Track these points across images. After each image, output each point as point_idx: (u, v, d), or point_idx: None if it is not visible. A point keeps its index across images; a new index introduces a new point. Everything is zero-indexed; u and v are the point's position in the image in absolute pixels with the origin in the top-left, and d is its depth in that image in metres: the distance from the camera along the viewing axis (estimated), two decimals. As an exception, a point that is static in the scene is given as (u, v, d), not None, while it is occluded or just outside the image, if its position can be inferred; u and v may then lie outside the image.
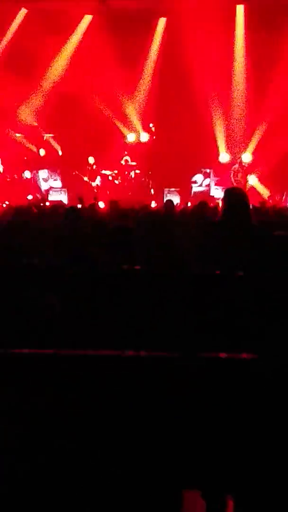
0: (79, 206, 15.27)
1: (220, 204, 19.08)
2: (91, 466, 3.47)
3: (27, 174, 25.86)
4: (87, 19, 25.35)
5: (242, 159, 24.39)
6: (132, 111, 25.84)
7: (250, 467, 3.49)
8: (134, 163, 25.39)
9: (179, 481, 3.76)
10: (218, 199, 22.98)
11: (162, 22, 25.10)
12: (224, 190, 7.06)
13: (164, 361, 3.40)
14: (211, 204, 16.83)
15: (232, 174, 24.09)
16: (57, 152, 26.72)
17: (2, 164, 25.54)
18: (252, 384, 3.33)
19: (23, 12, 25.05)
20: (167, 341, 4.52)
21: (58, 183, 25.75)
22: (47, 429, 3.45)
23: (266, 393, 3.36)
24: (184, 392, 3.33)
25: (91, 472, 3.48)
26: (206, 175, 24.86)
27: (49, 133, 26.58)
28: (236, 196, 6.76)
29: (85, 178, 25.13)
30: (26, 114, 25.94)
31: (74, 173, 25.31)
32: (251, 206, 8.36)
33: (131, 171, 25.33)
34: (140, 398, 3.35)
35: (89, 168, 25.40)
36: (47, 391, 3.39)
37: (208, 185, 24.71)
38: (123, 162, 25.45)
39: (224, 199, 6.79)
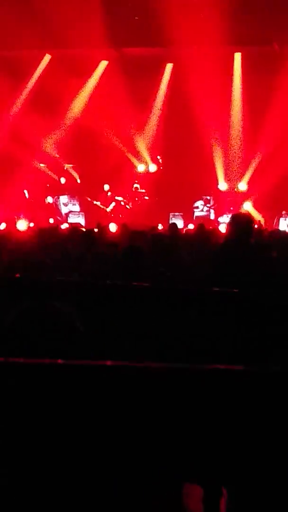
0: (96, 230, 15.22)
1: (223, 227, 19.15)
2: (95, 461, 3.40)
3: (49, 199, 25.89)
4: (103, 64, 25.39)
5: (238, 188, 24.39)
6: (142, 145, 25.88)
7: (246, 462, 3.44)
8: (143, 190, 25.41)
9: (179, 475, 3.71)
10: (217, 222, 23.05)
11: (169, 67, 25.16)
12: (231, 215, 6.93)
13: (167, 371, 3.36)
14: (210, 227, 16.82)
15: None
16: (76, 180, 26.75)
17: (27, 190, 25.55)
18: (245, 391, 3.30)
19: (47, 57, 25.14)
20: (172, 350, 4.49)
21: (76, 208, 25.77)
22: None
23: (259, 397, 3.32)
24: (185, 398, 3.29)
25: (94, 466, 3.40)
26: (207, 202, 24.86)
27: (69, 164, 26.64)
28: (243, 221, 6.65)
29: (97, 203, 25.18)
30: (49, 146, 25.99)
31: (88, 199, 25.39)
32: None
33: (141, 197, 25.35)
34: (145, 402, 3.30)
35: (104, 194, 25.43)
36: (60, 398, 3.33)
37: (208, 211, 24.70)
38: (133, 189, 25.46)
39: (231, 223, 6.64)
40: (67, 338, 4.19)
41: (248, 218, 6.72)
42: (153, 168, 25.89)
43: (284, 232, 17.22)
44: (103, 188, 25.39)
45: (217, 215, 24.26)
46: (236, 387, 3.37)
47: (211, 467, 3.53)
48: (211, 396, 3.31)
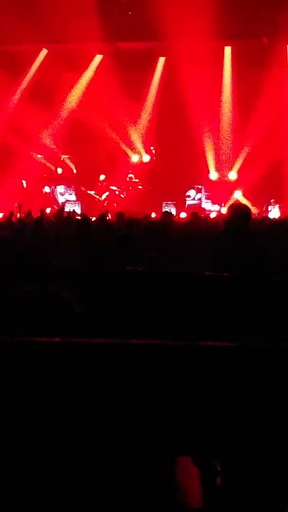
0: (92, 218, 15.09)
1: (213, 214, 19.08)
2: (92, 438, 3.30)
3: (46, 189, 25.85)
4: (98, 58, 25.30)
5: (229, 177, 24.33)
6: (136, 136, 25.79)
7: (241, 438, 3.35)
8: (137, 180, 25.36)
9: (175, 451, 3.63)
10: (208, 211, 22.99)
11: (161, 61, 25.07)
12: (229, 205, 6.90)
13: (162, 348, 3.25)
14: (202, 215, 16.76)
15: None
16: (72, 171, 26.68)
17: (25, 180, 25.47)
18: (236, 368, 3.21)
19: (44, 52, 25.01)
20: (165, 330, 4.40)
21: (72, 197, 25.73)
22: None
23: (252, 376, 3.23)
24: (181, 375, 3.19)
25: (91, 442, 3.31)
26: (198, 190, 24.81)
27: (66, 155, 26.54)
28: (240, 210, 6.61)
29: (91, 193, 25.14)
30: (46, 138, 25.89)
31: (82, 188, 25.35)
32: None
33: (135, 186, 25.29)
34: (141, 379, 3.19)
35: (100, 184, 25.37)
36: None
37: (200, 199, 24.66)
38: (128, 179, 25.40)
39: (232, 212, 6.60)
40: (64, 319, 4.11)
41: (246, 206, 6.68)
42: (146, 158, 25.83)
43: (273, 219, 17.19)
44: (98, 178, 25.33)
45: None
46: (230, 364, 3.28)
47: (206, 444, 3.43)
48: (207, 373, 3.22)
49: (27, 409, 3.26)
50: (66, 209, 23.59)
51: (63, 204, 24.76)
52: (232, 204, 7.00)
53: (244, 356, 3.24)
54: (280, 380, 3.23)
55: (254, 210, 22.13)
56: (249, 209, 6.66)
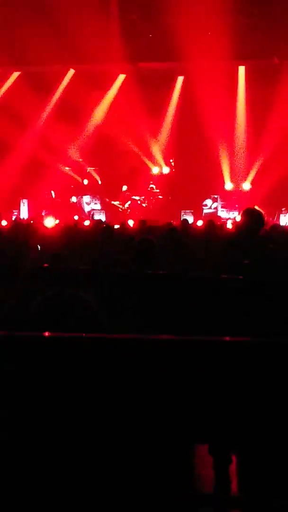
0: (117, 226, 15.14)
1: (230, 223, 19.06)
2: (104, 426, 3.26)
3: (73, 199, 25.91)
4: (121, 77, 25.37)
5: (243, 187, 24.31)
6: (156, 149, 25.83)
7: (255, 428, 3.32)
8: (157, 190, 25.38)
9: (188, 436, 3.60)
10: (224, 219, 22.97)
11: (180, 79, 25.10)
12: (245, 209, 6.86)
13: (177, 343, 3.25)
14: (218, 223, 16.75)
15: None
16: (98, 182, 26.75)
17: (54, 191, 25.58)
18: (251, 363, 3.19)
19: (71, 72, 25.15)
20: (181, 329, 4.41)
21: (98, 206, 25.75)
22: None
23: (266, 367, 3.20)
24: (194, 367, 3.18)
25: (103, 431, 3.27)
26: (214, 200, 24.79)
27: (91, 167, 26.63)
28: (253, 214, 6.60)
29: (115, 203, 25.21)
30: (73, 152, 26.00)
31: (106, 200, 25.41)
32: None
33: (156, 196, 25.32)
34: (155, 371, 3.19)
35: (122, 194, 25.44)
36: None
37: (216, 208, 24.64)
38: (149, 189, 25.43)
39: (246, 215, 6.59)
40: (86, 321, 4.11)
41: (259, 211, 6.67)
42: (166, 170, 25.85)
43: (284, 226, 17.16)
44: (121, 188, 25.39)
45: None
46: (243, 357, 3.26)
47: (220, 433, 3.42)
48: (221, 365, 3.20)
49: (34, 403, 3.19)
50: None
51: (89, 213, 24.86)
52: (246, 209, 6.97)
53: (259, 350, 3.21)
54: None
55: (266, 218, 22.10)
56: (262, 214, 6.65)
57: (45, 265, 6.21)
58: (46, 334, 3.20)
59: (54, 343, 3.20)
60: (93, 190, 26.28)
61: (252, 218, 6.45)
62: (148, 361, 3.08)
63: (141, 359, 3.09)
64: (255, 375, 3.14)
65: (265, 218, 6.94)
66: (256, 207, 21.96)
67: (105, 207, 25.40)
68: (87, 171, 26.67)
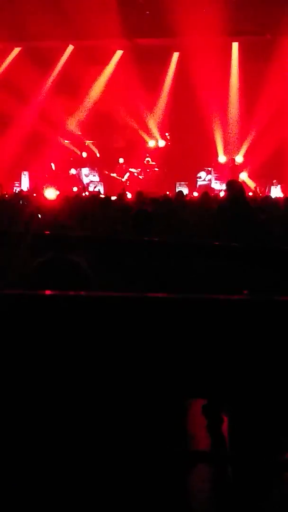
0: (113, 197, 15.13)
1: (222, 193, 19.07)
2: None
3: (72, 171, 25.85)
4: (119, 53, 25.21)
5: (236, 160, 24.24)
6: (152, 123, 25.72)
7: (246, 386, 3.32)
8: (154, 163, 25.33)
9: (184, 396, 3.61)
10: (217, 190, 22.96)
11: (175, 55, 24.93)
12: (226, 182, 7.08)
13: (175, 301, 3.26)
14: (212, 194, 16.77)
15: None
16: (96, 154, 26.68)
17: (54, 163, 25.52)
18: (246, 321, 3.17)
19: (70, 48, 24.97)
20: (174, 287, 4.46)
21: (96, 178, 25.70)
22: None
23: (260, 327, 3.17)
24: (189, 324, 3.19)
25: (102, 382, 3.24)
26: (208, 172, 24.75)
27: (90, 140, 26.54)
28: (235, 185, 6.74)
29: (113, 175, 25.14)
30: (72, 125, 25.90)
31: (105, 172, 25.34)
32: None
33: (152, 169, 25.28)
34: (150, 328, 3.18)
35: (119, 166, 25.37)
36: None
37: (210, 180, 24.62)
38: (145, 162, 25.37)
39: (227, 188, 6.76)
40: (81, 284, 4.15)
41: (240, 183, 6.81)
42: (162, 143, 25.78)
43: (275, 198, 17.17)
44: (118, 161, 25.33)
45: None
46: (236, 315, 3.24)
47: (213, 392, 3.46)
48: (213, 323, 3.21)
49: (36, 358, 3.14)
50: (90, 189, 23.74)
51: (87, 184, 24.82)
52: (228, 181, 7.17)
53: (253, 308, 3.17)
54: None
55: (258, 189, 22.13)
56: (242, 185, 6.79)
57: (46, 232, 6.24)
58: (47, 292, 3.22)
59: (52, 300, 3.19)
60: (91, 163, 26.22)
61: (232, 188, 6.59)
62: (144, 318, 3.10)
63: (137, 317, 3.11)
64: (249, 333, 3.14)
65: (255, 192, 7.11)
66: (245, 179, 22.02)
67: (103, 179, 25.36)
68: (86, 144, 26.59)
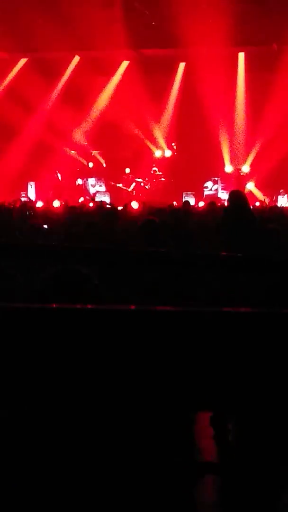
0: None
1: (226, 203, 19.07)
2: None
3: (79, 181, 25.92)
4: (125, 64, 25.30)
5: (242, 170, 24.29)
6: (158, 133, 25.79)
7: (252, 394, 3.32)
8: (160, 173, 25.38)
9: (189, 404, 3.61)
10: (224, 200, 22.99)
11: (181, 66, 24.99)
12: (229, 192, 7.13)
13: (180, 314, 3.27)
14: (218, 204, 16.78)
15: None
16: (102, 165, 26.75)
17: (60, 173, 25.60)
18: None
19: (76, 58, 25.09)
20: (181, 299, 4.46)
21: (102, 188, 25.78)
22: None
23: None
24: (193, 336, 3.19)
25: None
26: (215, 182, 24.80)
27: (96, 150, 26.62)
28: (237, 195, 6.77)
29: (119, 185, 25.20)
30: (79, 135, 25.99)
31: (111, 183, 25.42)
32: (251, 206, 8.33)
33: (158, 179, 25.33)
34: (155, 340, 3.19)
35: (126, 177, 25.43)
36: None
37: (216, 190, 24.65)
38: (152, 172, 25.43)
39: (229, 198, 6.81)
40: (88, 295, 4.15)
41: (242, 193, 6.86)
42: (168, 153, 25.83)
43: (282, 207, 17.20)
44: (124, 171, 25.39)
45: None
46: (242, 326, 3.24)
47: (221, 404, 3.46)
48: (222, 336, 3.20)
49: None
50: (97, 199, 23.78)
51: (94, 194, 24.88)
52: (231, 191, 7.22)
53: (261, 320, 3.16)
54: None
55: (265, 199, 22.13)
56: (245, 194, 6.82)
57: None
58: (53, 306, 3.22)
59: (59, 314, 3.19)
60: (98, 173, 26.30)
61: (234, 198, 6.63)
62: (149, 331, 3.11)
63: (142, 330, 3.12)
64: (255, 345, 3.15)
65: (262, 202, 7.18)
66: (251, 189, 22.06)
67: (110, 189, 25.43)
68: (92, 154, 26.67)
